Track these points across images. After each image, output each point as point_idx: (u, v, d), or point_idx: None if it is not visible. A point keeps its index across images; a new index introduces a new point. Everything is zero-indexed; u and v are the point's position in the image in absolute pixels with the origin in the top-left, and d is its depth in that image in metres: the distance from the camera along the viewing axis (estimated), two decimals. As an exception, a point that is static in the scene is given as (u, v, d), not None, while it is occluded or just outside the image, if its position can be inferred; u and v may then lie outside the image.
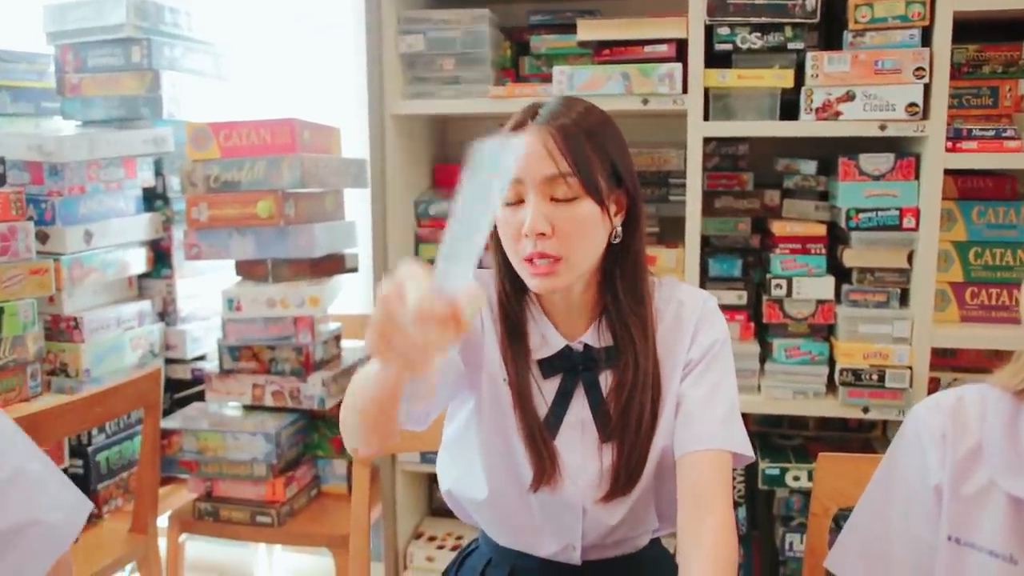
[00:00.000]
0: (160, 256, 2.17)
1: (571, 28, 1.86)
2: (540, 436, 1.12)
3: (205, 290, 2.24)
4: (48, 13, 2.14)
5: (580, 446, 1.14)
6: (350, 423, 1.04)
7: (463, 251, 0.77)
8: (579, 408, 1.15)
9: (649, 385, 1.13)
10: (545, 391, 1.16)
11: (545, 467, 1.12)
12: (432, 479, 2.23)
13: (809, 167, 1.90)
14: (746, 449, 1.12)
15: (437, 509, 2.27)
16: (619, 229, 1.12)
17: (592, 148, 1.07)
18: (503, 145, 0.79)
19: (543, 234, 1.04)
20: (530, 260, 1.05)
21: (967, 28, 1.69)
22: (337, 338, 2.11)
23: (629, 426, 1.11)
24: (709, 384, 1.14)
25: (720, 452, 1.09)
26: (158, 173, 2.15)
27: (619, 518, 1.15)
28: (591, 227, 1.07)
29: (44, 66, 2.25)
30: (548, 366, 1.16)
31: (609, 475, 1.12)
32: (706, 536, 1.03)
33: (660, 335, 1.16)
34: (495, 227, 1.10)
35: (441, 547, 2.09)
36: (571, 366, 1.16)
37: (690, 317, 1.16)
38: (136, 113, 2.09)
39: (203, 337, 2.23)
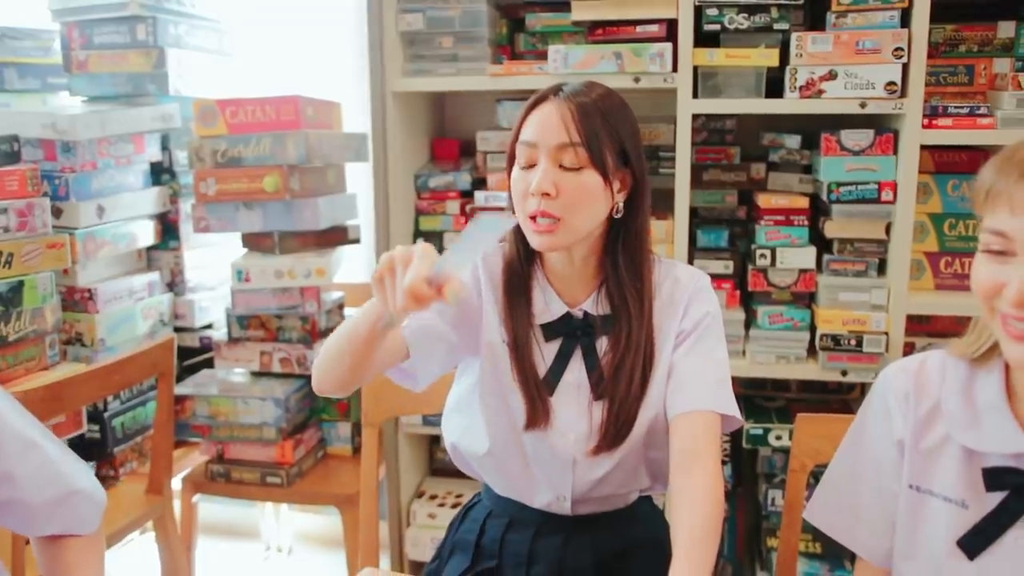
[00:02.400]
0: (167, 228, 2.25)
1: (565, 6, 1.93)
2: (535, 385, 1.23)
3: (212, 261, 2.32)
4: (52, -9, 2.19)
5: (575, 403, 1.24)
6: (325, 348, 1.16)
7: (461, 260, 0.97)
8: (576, 370, 1.25)
9: (641, 353, 1.23)
10: (545, 353, 1.26)
11: (538, 410, 1.22)
12: (433, 440, 2.34)
13: (793, 141, 1.98)
14: (734, 412, 1.21)
15: (438, 469, 2.37)
16: (620, 205, 1.21)
17: (604, 126, 1.17)
18: (500, 220, 1.02)
19: (547, 195, 1.14)
20: (533, 218, 1.15)
21: (945, 8, 1.76)
22: (340, 307, 2.19)
23: (619, 388, 1.21)
24: (700, 353, 1.23)
25: (709, 413, 1.18)
26: (164, 148, 2.22)
27: (605, 471, 1.25)
28: (592, 196, 1.16)
29: (49, 42, 2.30)
30: (549, 330, 1.26)
31: (598, 431, 1.22)
32: (694, 490, 1.12)
33: (656, 309, 1.25)
34: (510, 201, 1.22)
35: (442, 505, 2.20)
36: (570, 331, 1.26)
37: (683, 292, 1.25)
38: (142, 89, 2.15)
39: (210, 306, 2.31)
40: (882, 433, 1.09)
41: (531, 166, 1.17)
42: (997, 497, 0.97)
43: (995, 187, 0.91)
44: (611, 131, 1.18)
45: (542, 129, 1.16)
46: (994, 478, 0.97)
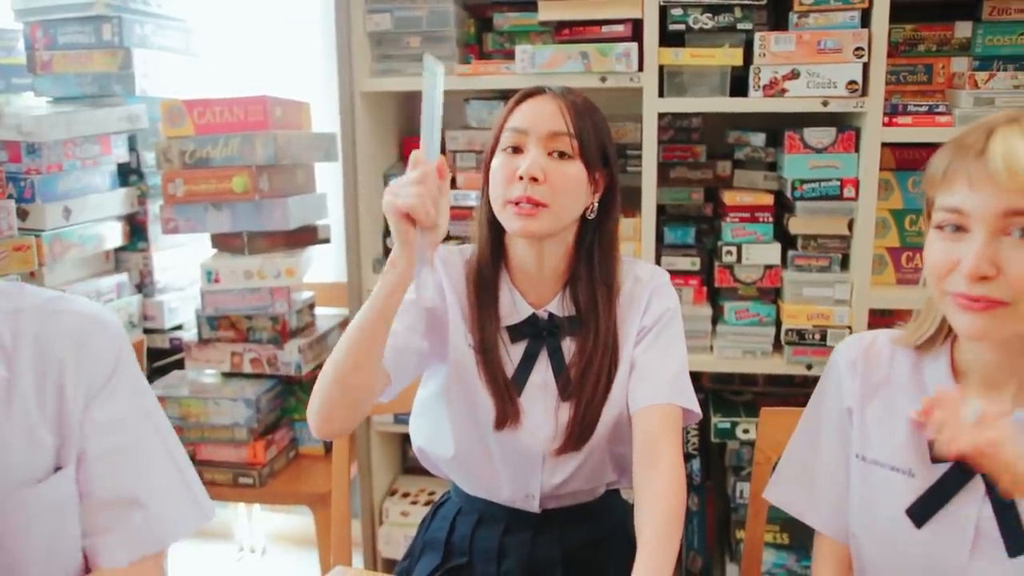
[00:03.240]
0: (135, 229, 2.23)
1: (533, 6, 1.94)
2: (504, 385, 1.25)
3: (181, 262, 2.31)
4: (16, -10, 2.17)
5: (542, 403, 1.26)
6: (326, 383, 1.15)
7: (429, 133, 1.08)
8: (543, 370, 1.27)
9: (608, 352, 1.26)
10: (512, 354, 1.27)
11: (507, 410, 1.24)
12: (405, 439, 2.34)
13: (758, 139, 2.01)
14: (694, 406, 1.24)
15: (410, 467, 2.38)
16: (595, 205, 1.26)
17: (592, 125, 1.23)
18: (435, 62, 1.11)
19: (535, 179, 1.17)
20: (516, 203, 1.18)
21: (904, 8, 1.80)
22: (311, 306, 2.20)
23: (586, 388, 1.23)
24: (660, 348, 1.26)
25: (670, 406, 1.22)
26: (132, 149, 2.20)
27: (572, 469, 1.27)
28: (576, 187, 1.21)
29: (12, 42, 2.27)
30: (516, 331, 1.28)
31: (565, 429, 1.25)
32: (657, 485, 1.15)
33: (619, 307, 1.27)
34: (486, 191, 1.26)
35: (415, 503, 2.21)
36: (536, 332, 1.28)
37: (644, 290, 1.29)
38: (108, 90, 2.14)
39: (180, 307, 2.30)
40: (834, 401, 1.14)
41: (518, 150, 1.21)
42: (943, 468, 1.02)
43: (951, 166, 0.96)
44: (597, 132, 1.24)
45: (536, 116, 1.21)
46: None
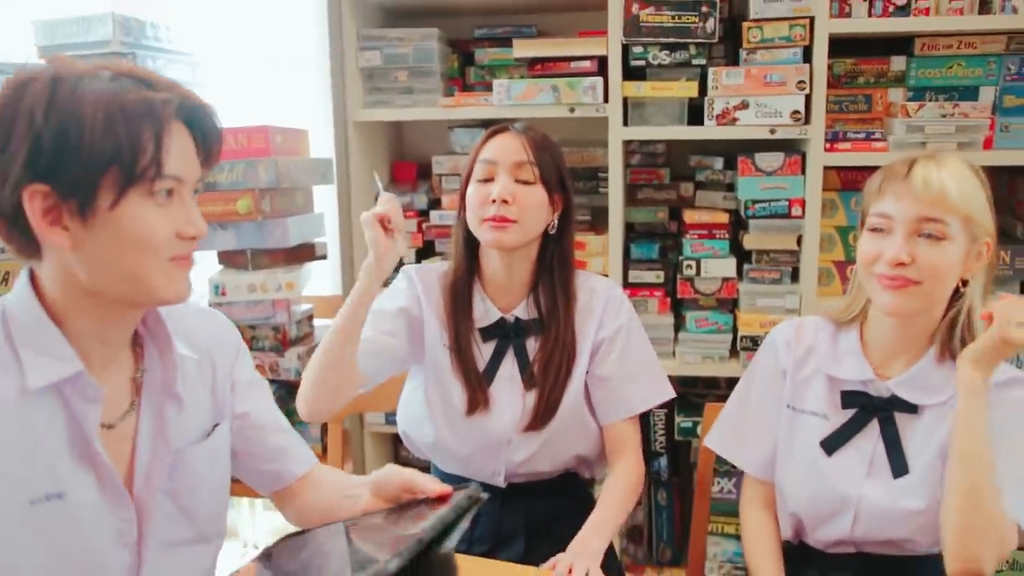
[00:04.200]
0: (148, 247, 2.42)
1: (509, 42, 2.14)
2: (475, 376, 1.46)
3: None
4: (38, 28, 2.35)
5: (509, 392, 1.47)
6: (310, 377, 1.40)
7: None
8: (510, 365, 1.47)
9: (566, 349, 1.47)
10: (484, 351, 1.48)
11: (478, 398, 1.45)
12: (396, 438, 2.52)
13: (718, 163, 2.21)
14: (661, 399, 1.54)
15: (401, 464, 2.55)
16: (556, 222, 1.48)
17: (550, 156, 1.47)
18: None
19: (506, 202, 1.41)
20: (492, 220, 1.41)
21: (845, 43, 1.99)
22: (310, 317, 2.37)
23: (548, 379, 1.44)
24: (623, 363, 1.51)
25: (630, 419, 1.51)
26: (144, 173, 2.39)
27: (533, 450, 1.48)
28: (539, 206, 1.44)
29: (34, 75, 2.47)
30: (487, 333, 1.49)
31: (530, 413, 1.46)
32: (622, 469, 1.47)
33: (576, 311, 1.48)
34: (461, 213, 1.51)
35: (405, 499, 2.38)
36: (504, 333, 1.48)
37: (599, 301, 1.52)
38: (123, 120, 2.33)
39: (188, 319, 2.48)
40: (771, 369, 1.42)
41: (487, 180, 1.43)
42: (849, 413, 1.35)
43: (884, 184, 1.28)
44: (553, 161, 1.47)
45: (503, 149, 1.44)
46: (848, 398, 1.35)
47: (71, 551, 0.96)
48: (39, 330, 0.95)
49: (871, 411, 1.32)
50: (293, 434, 1.25)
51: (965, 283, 1.29)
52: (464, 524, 0.92)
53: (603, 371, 1.50)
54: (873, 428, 1.32)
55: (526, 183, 1.42)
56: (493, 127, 1.49)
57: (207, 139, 1.01)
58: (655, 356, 1.59)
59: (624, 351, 1.51)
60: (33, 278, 0.98)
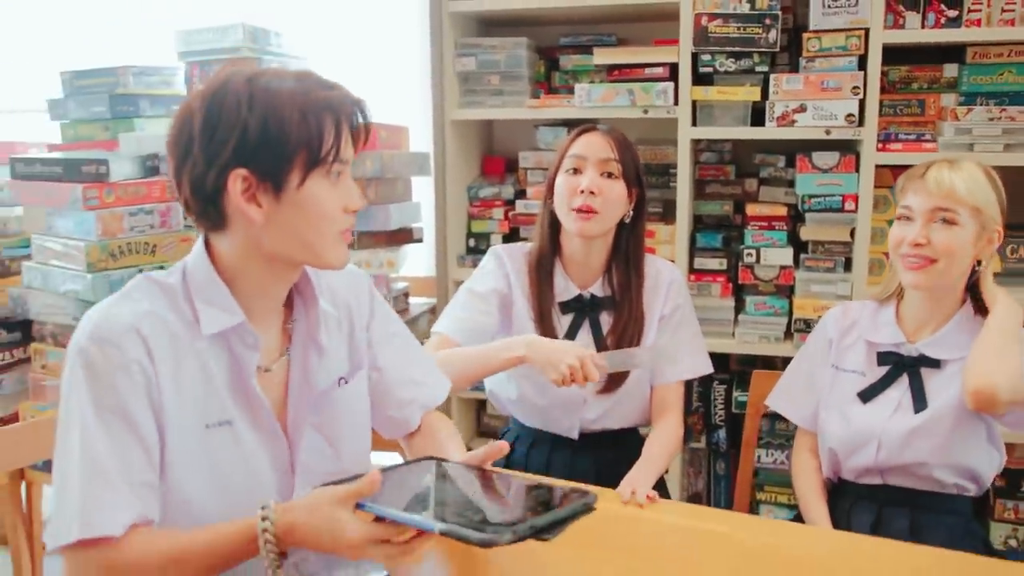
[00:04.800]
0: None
1: (590, 49, 2.39)
2: None
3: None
4: (178, 36, 2.70)
5: None
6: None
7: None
8: (585, 336, 1.71)
9: (636, 324, 1.71)
10: (562, 323, 1.72)
11: None
12: (480, 405, 2.79)
13: (780, 161, 2.40)
14: (701, 372, 1.77)
15: (484, 431, 2.82)
16: (631, 212, 1.72)
17: (630, 155, 1.70)
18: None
19: (593, 192, 1.65)
20: (578, 210, 1.65)
21: (900, 52, 2.17)
22: (406, 295, 2.66)
23: (620, 348, 1.67)
24: (675, 337, 1.74)
25: (677, 383, 1.75)
26: (265, 163, 2.72)
27: (604, 410, 1.72)
28: (620, 199, 1.69)
29: (172, 77, 2.82)
30: (566, 307, 1.73)
31: (603, 379, 1.67)
32: (663, 427, 1.70)
33: (645, 294, 1.71)
34: (548, 200, 1.74)
35: (486, 460, 2.65)
36: (581, 308, 1.72)
37: (665, 281, 1.75)
38: (249, 116, 2.65)
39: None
40: (820, 343, 1.70)
41: (576, 172, 1.67)
42: (883, 370, 1.61)
43: (906, 183, 1.57)
44: (633, 159, 1.71)
45: (592, 147, 1.69)
46: (883, 358, 1.62)
47: (237, 471, 1.16)
48: (212, 288, 1.15)
49: (902, 368, 1.59)
50: (421, 388, 1.39)
51: (979, 263, 1.54)
52: (569, 524, 0.99)
53: (660, 342, 1.73)
54: (903, 381, 1.58)
55: (610, 176, 1.66)
56: (582, 126, 1.74)
57: (364, 123, 1.18)
58: (702, 336, 1.82)
59: (678, 326, 1.74)
60: (207, 244, 1.18)
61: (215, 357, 1.14)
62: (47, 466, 2.27)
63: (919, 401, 1.56)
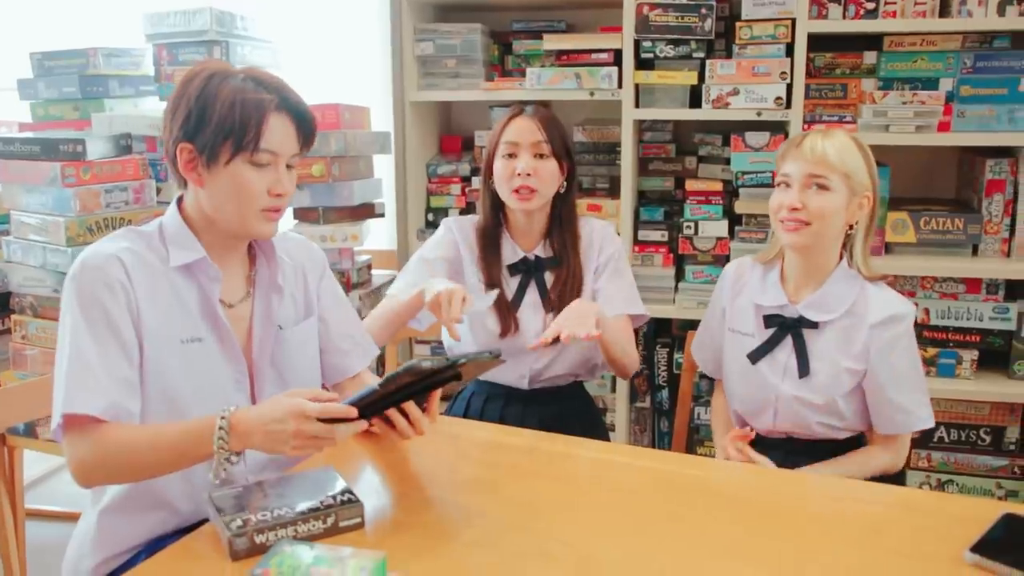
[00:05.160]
0: (234, 205, 2.87)
1: (542, 35, 2.55)
2: (505, 305, 1.86)
3: (267, 231, 2.94)
4: (147, 19, 2.80)
5: (532, 316, 1.88)
6: (376, 324, 1.83)
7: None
8: (532, 294, 1.89)
9: (576, 278, 1.88)
10: (511, 284, 1.89)
11: (509, 323, 1.85)
12: (439, 372, 2.95)
13: (717, 140, 2.59)
14: (639, 310, 1.92)
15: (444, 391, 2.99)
16: (564, 183, 1.89)
17: (557, 133, 1.86)
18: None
19: (529, 174, 1.82)
20: (517, 191, 1.82)
21: (825, 40, 2.36)
22: (368, 266, 2.81)
23: (561, 304, 1.84)
24: (614, 280, 1.90)
25: (624, 316, 1.89)
26: (232, 142, 2.84)
27: (551, 358, 1.89)
28: (552, 175, 1.85)
29: (140, 58, 2.92)
30: (513, 269, 1.90)
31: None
32: None
33: (581, 250, 1.89)
34: (487, 179, 1.89)
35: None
36: (527, 269, 1.89)
37: (597, 237, 1.92)
38: (217, 97, 2.77)
39: (266, 267, 2.93)
40: (717, 306, 1.86)
41: (511, 156, 1.83)
42: (769, 332, 1.73)
43: (785, 151, 1.69)
44: (560, 136, 1.87)
45: (522, 132, 1.84)
46: (768, 320, 1.73)
47: (208, 383, 1.39)
48: (180, 233, 1.39)
49: (785, 329, 1.71)
50: (357, 345, 1.64)
51: (852, 227, 1.67)
52: (483, 365, 1.31)
53: (598, 285, 1.91)
54: (787, 343, 1.71)
55: (542, 157, 1.83)
56: (510, 111, 1.90)
57: (303, 127, 1.41)
58: (636, 288, 1.97)
59: (614, 272, 1.91)
60: (180, 205, 1.43)
61: (185, 286, 1.38)
62: (28, 430, 2.41)
63: (802, 364, 1.68)
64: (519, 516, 1.27)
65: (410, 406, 1.29)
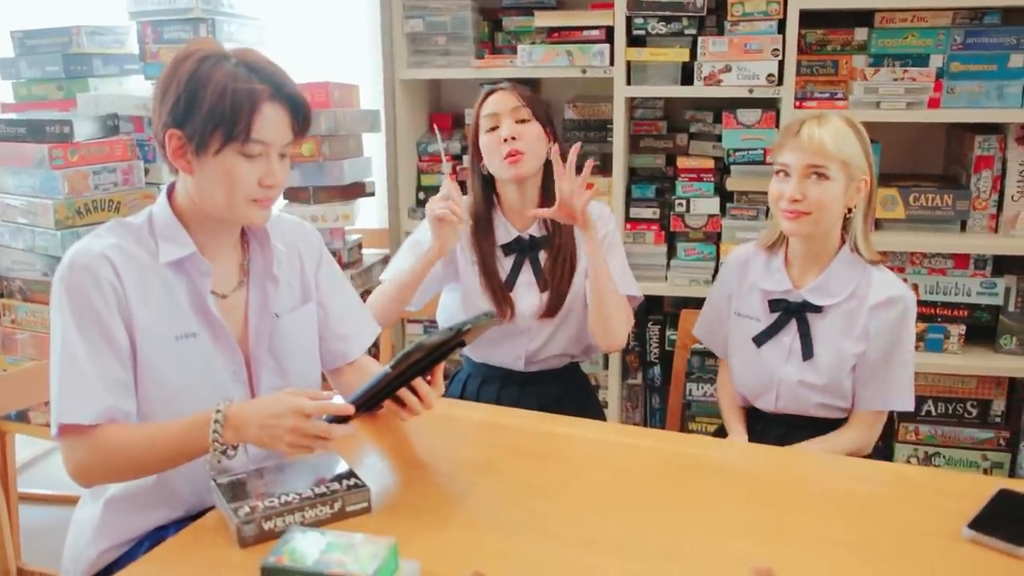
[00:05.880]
0: (222, 185, 2.85)
1: (533, 11, 2.53)
2: (499, 287, 1.86)
3: (257, 211, 2.92)
4: (130, -4, 2.77)
5: (527, 294, 1.89)
6: (379, 301, 1.83)
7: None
8: (527, 273, 1.89)
9: (569, 257, 1.89)
10: (505, 264, 1.90)
11: (502, 303, 1.86)
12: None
13: (708, 117, 2.59)
14: (634, 291, 1.92)
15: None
16: (552, 150, 1.84)
17: (537, 101, 1.88)
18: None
19: (514, 138, 1.82)
20: (506, 156, 1.82)
21: (816, 15, 2.35)
22: (359, 245, 2.80)
23: (556, 280, 1.87)
24: (609, 259, 1.89)
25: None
26: (220, 121, 2.81)
27: (547, 336, 1.90)
28: (539, 137, 1.86)
29: (124, 37, 2.88)
30: (507, 248, 1.90)
31: (545, 305, 1.88)
32: None
33: (576, 229, 1.89)
34: (475, 162, 1.89)
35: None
36: (521, 247, 1.90)
37: (593, 215, 1.90)
38: (203, 75, 2.74)
39: (256, 247, 2.92)
40: (725, 286, 1.87)
41: (494, 128, 1.83)
42: (774, 316, 1.77)
43: (782, 140, 1.71)
44: (541, 105, 1.89)
45: (500, 102, 1.86)
46: (773, 305, 1.77)
47: (204, 380, 1.38)
48: (169, 225, 1.37)
49: (789, 313, 1.74)
50: (357, 326, 1.63)
51: (850, 211, 1.70)
52: (481, 327, 1.32)
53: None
54: (792, 327, 1.75)
55: (524, 121, 1.84)
56: (487, 89, 1.90)
57: (297, 115, 1.36)
58: (629, 267, 1.98)
59: (609, 249, 1.91)
60: (170, 193, 1.40)
61: (176, 281, 1.36)
62: (20, 415, 2.40)
63: (806, 347, 1.72)
64: (521, 496, 1.29)
65: (419, 383, 1.31)
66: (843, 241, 1.73)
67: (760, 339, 1.77)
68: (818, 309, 1.72)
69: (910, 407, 1.74)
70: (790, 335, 1.75)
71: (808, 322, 1.73)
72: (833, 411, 1.75)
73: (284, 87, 1.34)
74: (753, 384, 1.80)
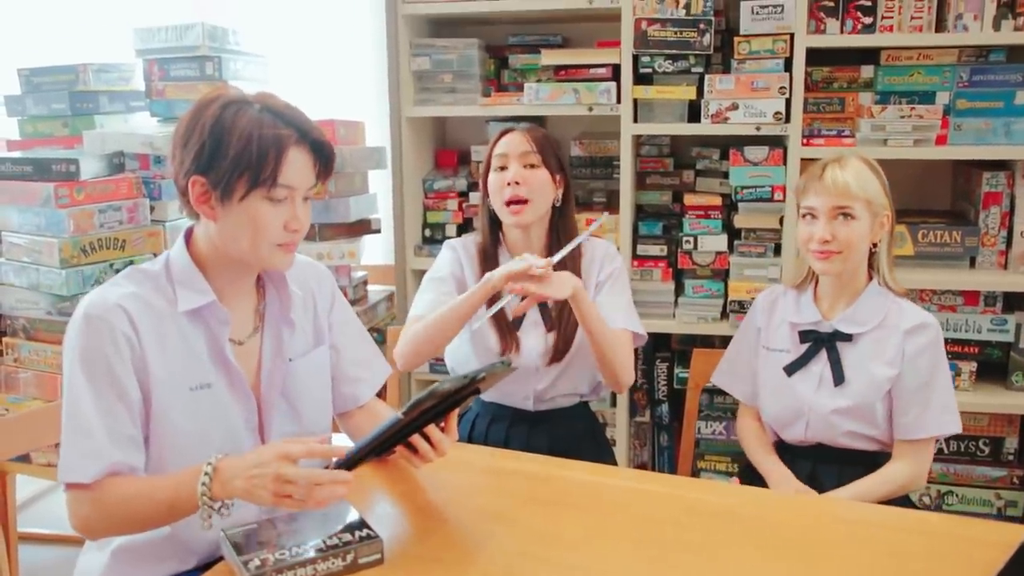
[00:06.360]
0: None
1: (539, 49, 2.53)
2: (506, 325, 1.85)
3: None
4: (137, 34, 2.77)
5: (534, 333, 1.87)
6: (415, 340, 1.81)
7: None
8: (534, 313, 1.88)
9: None
10: (511, 303, 1.87)
11: (508, 341, 1.84)
12: (437, 388, 2.94)
13: (715, 154, 2.59)
14: (639, 329, 1.89)
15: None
16: (559, 196, 1.90)
17: (548, 146, 1.87)
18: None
19: (519, 183, 1.82)
20: (508, 203, 1.83)
21: (823, 54, 2.36)
22: (365, 282, 2.79)
23: (563, 321, 1.84)
24: (614, 295, 1.90)
25: (623, 331, 1.86)
26: (225, 158, 2.81)
27: (554, 377, 1.88)
28: (545, 184, 1.86)
29: (130, 74, 2.89)
30: None
31: (552, 348, 1.86)
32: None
33: (582, 266, 1.88)
34: (484, 198, 1.90)
35: (445, 438, 2.80)
36: None
37: (600, 254, 1.93)
38: (209, 113, 2.74)
39: (260, 283, 2.90)
40: (753, 325, 1.90)
41: (503, 168, 1.84)
42: (804, 347, 1.82)
43: (807, 184, 1.79)
44: (552, 150, 1.89)
45: (511, 144, 1.86)
46: (804, 335, 1.82)
47: (218, 428, 1.36)
48: (188, 272, 1.35)
49: (820, 343, 1.80)
50: (369, 370, 1.61)
51: (875, 245, 1.77)
52: (496, 376, 1.31)
53: (598, 299, 1.89)
54: (822, 356, 1.79)
55: (532, 167, 1.84)
56: (502, 129, 1.91)
57: (320, 159, 1.36)
58: (634, 307, 1.97)
59: (615, 288, 1.91)
60: (188, 237, 1.39)
61: (194, 330, 1.35)
62: (22, 456, 2.36)
63: (837, 375, 1.77)
64: (537, 546, 1.26)
65: (431, 429, 1.29)
66: (870, 276, 1.81)
67: (791, 368, 1.81)
68: (848, 337, 1.77)
69: (958, 429, 1.77)
70: (820, 364, 1.79)
71: (838, 350, 1.77)
72: (862, 440, 1.77)
73: (310, 132, 1.34)
74: (783, 414, 1.83)
